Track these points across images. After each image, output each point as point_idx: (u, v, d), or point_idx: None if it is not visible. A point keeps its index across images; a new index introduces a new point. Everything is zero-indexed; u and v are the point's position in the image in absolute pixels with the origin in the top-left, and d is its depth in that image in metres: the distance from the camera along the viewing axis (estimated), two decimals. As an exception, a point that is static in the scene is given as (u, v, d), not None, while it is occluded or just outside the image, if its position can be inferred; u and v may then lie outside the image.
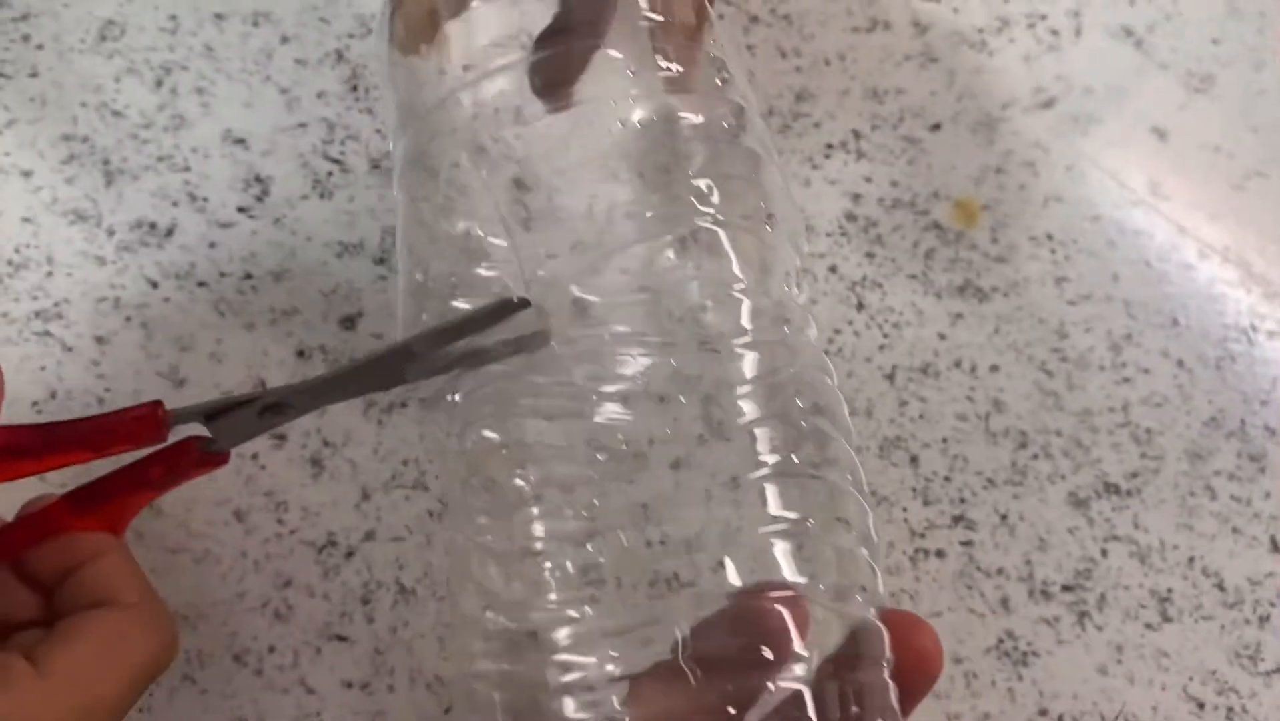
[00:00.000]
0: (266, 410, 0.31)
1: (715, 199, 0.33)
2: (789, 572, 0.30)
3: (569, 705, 0.29)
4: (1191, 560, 0.39)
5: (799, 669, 0.28)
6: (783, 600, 0.29)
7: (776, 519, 0.32)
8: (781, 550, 0.31)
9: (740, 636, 0.29)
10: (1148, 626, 0.38)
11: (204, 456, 0.31)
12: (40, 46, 0.43)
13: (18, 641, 0.30)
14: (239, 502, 0.38)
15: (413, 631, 0.37)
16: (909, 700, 0.29)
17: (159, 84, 0.43)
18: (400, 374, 0.31)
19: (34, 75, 0.43)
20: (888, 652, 0.29)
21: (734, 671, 0.28)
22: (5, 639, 0.30)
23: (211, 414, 0.31)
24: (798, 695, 0.28)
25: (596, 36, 0.32)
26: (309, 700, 0.36)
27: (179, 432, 0.31)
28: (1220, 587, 0.39)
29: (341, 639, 0.36)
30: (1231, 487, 0.40)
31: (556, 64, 0.32)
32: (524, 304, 0.31)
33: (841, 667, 0.28)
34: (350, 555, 0.37)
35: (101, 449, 0.30)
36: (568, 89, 0.33)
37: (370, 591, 0.37)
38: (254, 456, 0.38)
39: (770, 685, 0.28)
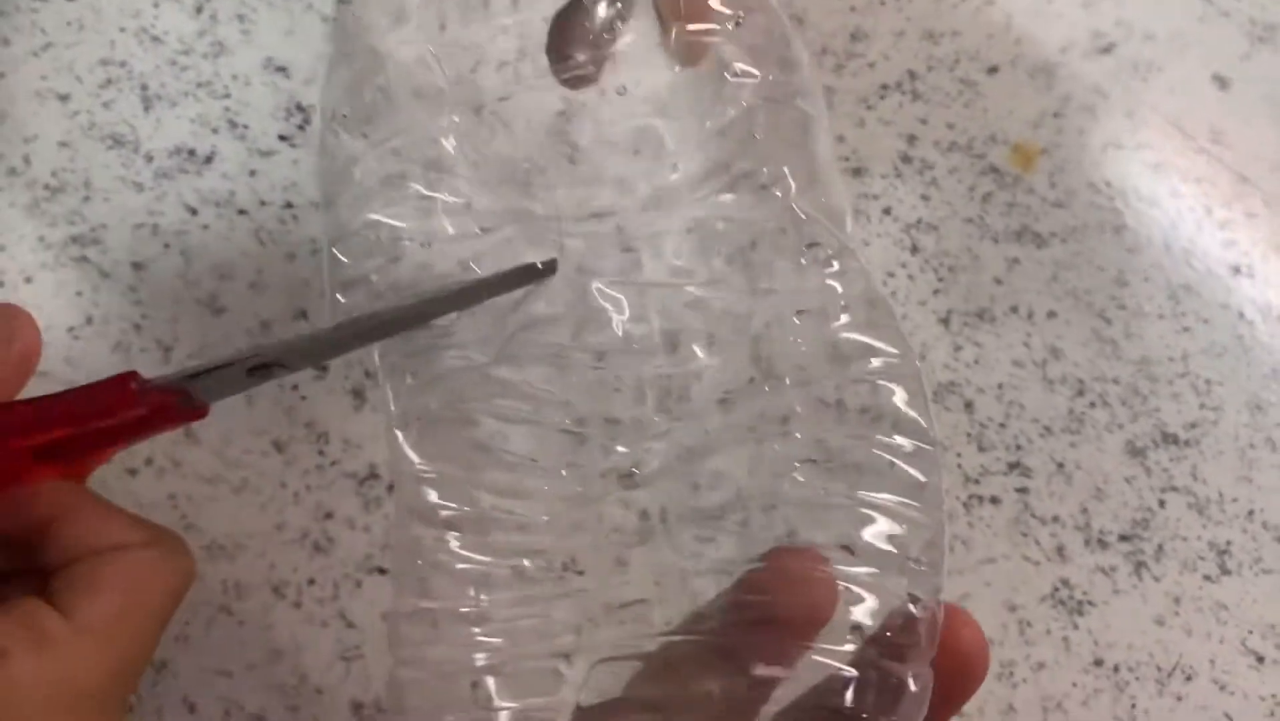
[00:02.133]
0: (255, 370, 0.29)
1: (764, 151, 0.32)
2: (834, 536, 0.27)
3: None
4: (1251, 513, 0.38)
5: (848, 645, 0.25)
6: (824, 565, 0.26)
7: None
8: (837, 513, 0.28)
9: (782, 597, 0.26)
10: (1206, 578, 0.37)
11: (181, 411, 0.29)
12: (78, -31, 0.42)
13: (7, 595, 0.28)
14: (278, 433, 0.37)
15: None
16: (946, 705, 0.26)
17: (199, 10, 0.42)
18: (399, 330, 0.30)
19: (71, -1, 0.42)
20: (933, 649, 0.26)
21: (769, 638, 0.26)
22: None
23: (194, 376, 0.29)
24: (837, 678, 0.25)
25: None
26: (348, 633, 0.35)
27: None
28: (1281, 541, 0.38)
29: (382, 572, 0.36)
30: (1295, 441, 0.39)
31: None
32: (550, 268, 0.30)
33: (887, 655, 0.25)
34: (392, 488, 0.36)
35: (75, 425, 0.28)
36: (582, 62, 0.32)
37: (412, 525, 0.36)
38: (294, 387, 0.37)
39: (813, 658, 0.25)
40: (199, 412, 0.29)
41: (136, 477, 0.36)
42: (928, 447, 0.28)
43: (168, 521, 0.35)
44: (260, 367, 0.29)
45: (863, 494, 0.28)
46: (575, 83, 0.33)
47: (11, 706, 0.23)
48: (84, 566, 0.27)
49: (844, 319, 0.31)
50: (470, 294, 0.30)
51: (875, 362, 0.30)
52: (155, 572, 0.28)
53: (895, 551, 0.27)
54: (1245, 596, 0.37)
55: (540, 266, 0.30)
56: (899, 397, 0.29)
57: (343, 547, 0.36)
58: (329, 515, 0.36)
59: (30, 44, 0.41)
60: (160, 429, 0.29)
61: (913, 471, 0.28)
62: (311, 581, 0.35)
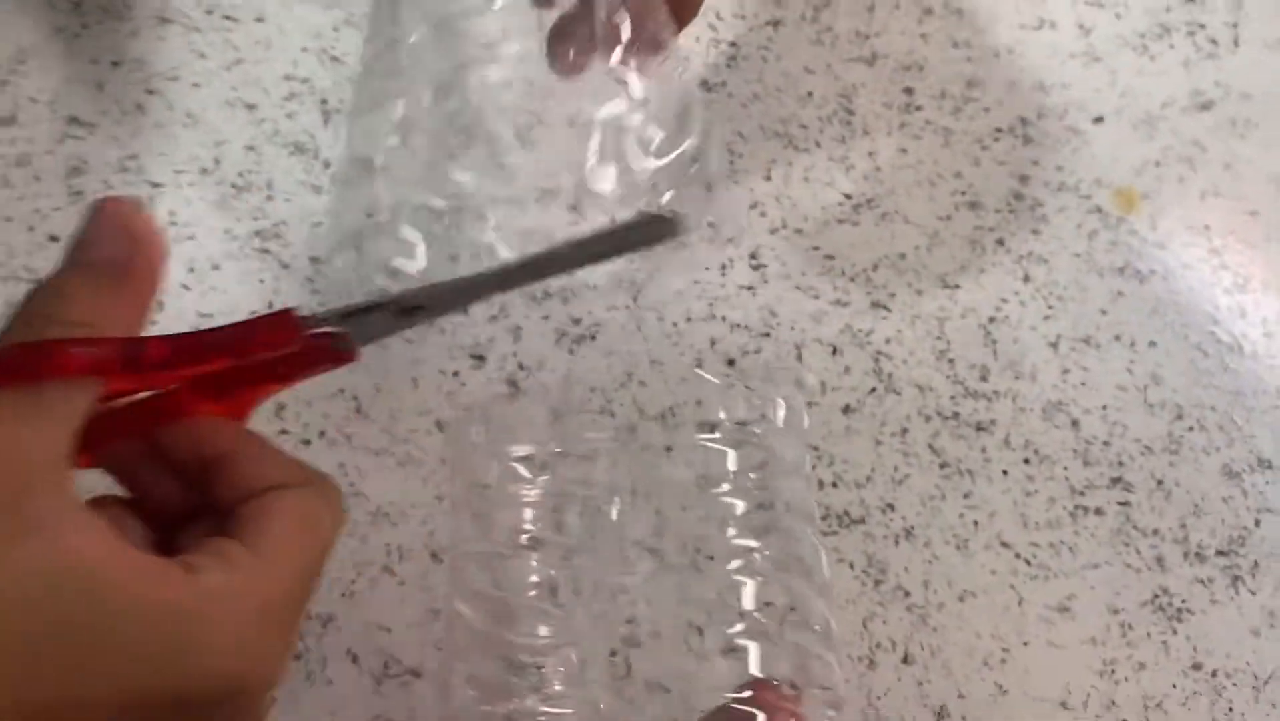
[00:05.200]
0: (403, 312, 0.31)
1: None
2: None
3: None
4: (1343, 536, 0.40)
5: None
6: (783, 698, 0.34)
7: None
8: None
9: None
10: (1300, 595, 0.39)
11: (335, 354, 0.30)
12: (266, -6, 0.46)
13: (192, 534, 0.30)
14: (440, 414, 0.40)
15: (599, 542, 0.39)
16: None
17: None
18: (535, 276, 0.31)
19: (260, 20, 0.46)
20: None
21: None
22: (165, 528, 0.30)
23: (348, 315, 0.30)
24: None
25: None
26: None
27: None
28: (1371, 564, 0.40)
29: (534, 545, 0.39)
30: (1382, 473, 0.41)
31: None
32: (675, 221, 0.31)
33: None
34: (543, 467, 0.40)
35: (239, 355, 0.29)
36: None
37: (560, 502, 0.39)
38: (455, 374, 0.41)
39: None
40: (350, 356, 0.30)
41: (310, 447, 0.40)
42: None
43: (339, 488, 0.38)
44: (407, 311, 0.31)
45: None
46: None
47: (203, 614, 0.26)
48: (257, 503, 0.29)
49: None
50: (595, 245, 0.31)
51: None
52: (318, 510, 0.30)
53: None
54: (1337, 614, 0.39)
55: (669, 217, 0.31)
56: None
57: (497, 519, 0.39)
58: (484, 488, 0.39)
59: (223, 59, 0.45)
60: (316, 369, 0.31)
61: None
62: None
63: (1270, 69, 0.48)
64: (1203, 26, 0.48)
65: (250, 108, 0.44)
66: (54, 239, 0.42)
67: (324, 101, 0.45)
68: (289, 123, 0.44)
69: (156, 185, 0.43)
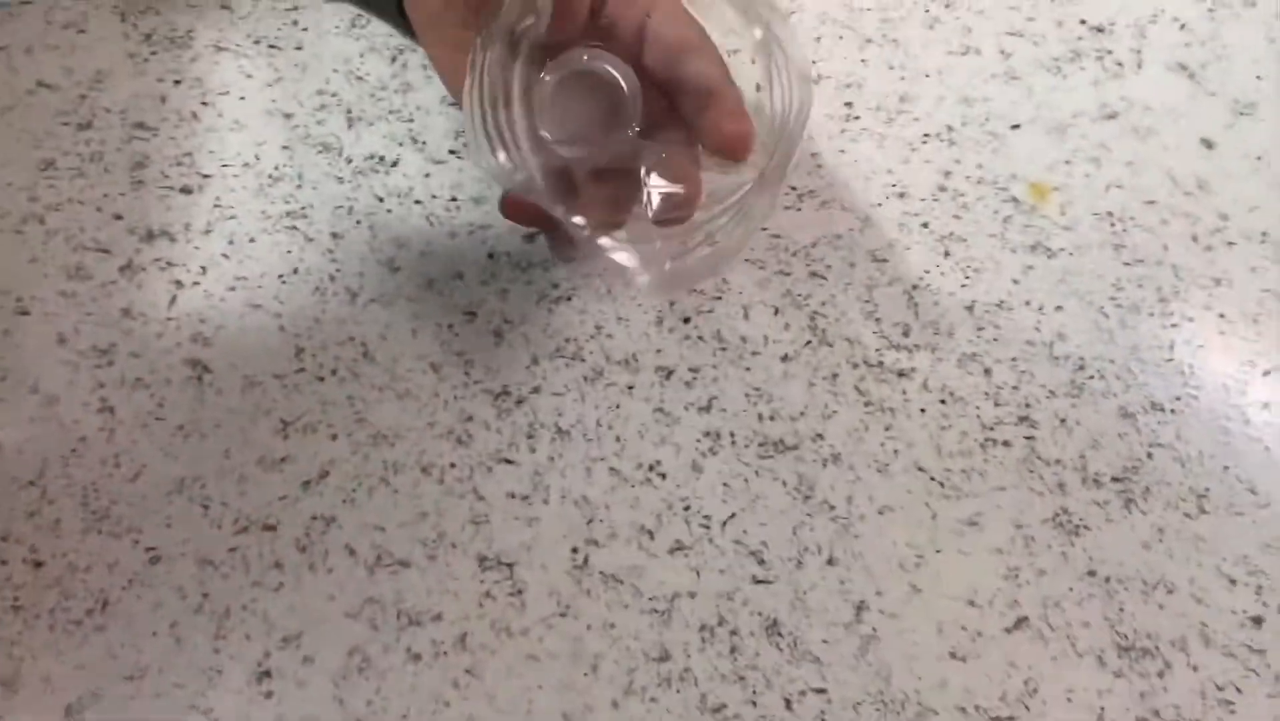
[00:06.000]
0: None
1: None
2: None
3: None
4: (1227, 468, 0.45)
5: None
6: None
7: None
8: None
9: None
10: (1187, 516, 0.44)
11: None
12: (305, 29, 0.55)
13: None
14: (435, 358, 0.47)
15: (565, 462, 0.45)
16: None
17: (394, 59, 0.54)
18: None
19: (299, 48, 0.55)
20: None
21: None
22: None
23: None
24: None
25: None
26: (479, 505, 0.44)
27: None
28: (1253, 491, 0.45)
29: (509, 462, 0.45)
30: (1266, 416, 0.46)
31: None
32: None
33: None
34: (520, 402, 0.46)
35: None
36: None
37: (534, 429, 0.45)
38: (450, 326, 0.48)
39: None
40: None
41: (324, 383, 0.46)
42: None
43: (344, 415, 0.45)
44: None
45: None
46: None
47: None
48: None
49: None
50: None
51: None
52: None
53: None
54: (1220, 532, 0.44)
55: None
56: None
57: (479, 442, 0.45)
58: (470, 418, 0.46)
59: (265, 78, 0.54)
60: None
61: None
62: (453, 465, 0.45)
63: (1169, 86, 0.55)
64: (1110, 52, 0.56)
65: (287, 116, 0.53)
66: (118, 217, 0.50)
67: (349, 111, 0.53)
68: (319, 127, 0.53)
69: (206, 176, 0.51)
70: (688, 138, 0.44)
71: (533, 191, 0.40)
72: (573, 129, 0.44)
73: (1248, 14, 0.57)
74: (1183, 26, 0.56)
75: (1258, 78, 0.55)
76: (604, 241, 0.40)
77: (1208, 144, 0.53)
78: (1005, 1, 0.57)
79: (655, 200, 0.42)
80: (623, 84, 0.44)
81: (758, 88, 0.43)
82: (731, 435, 0.46)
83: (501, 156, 0.40)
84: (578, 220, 0.40)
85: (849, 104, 0.54)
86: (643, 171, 0.43)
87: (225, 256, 0.49)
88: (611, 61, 0.45)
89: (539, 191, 0.40)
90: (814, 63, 0.54)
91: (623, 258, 0.40)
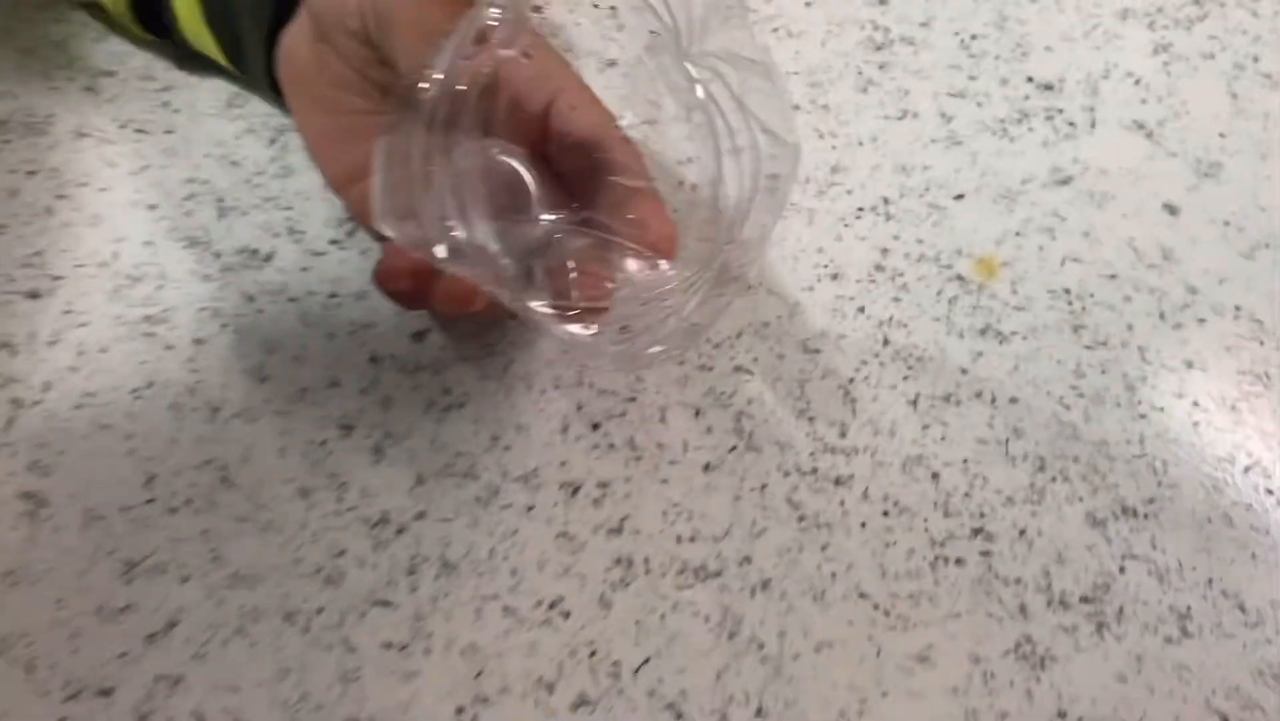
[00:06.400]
0: None
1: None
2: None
3: None
4: (1210, 581, 0.40)
5: None
6: None
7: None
8: None
9: None
10: (1167, 640, 0.39)
11: None
12: (177, 110, 0.50)
13: None
14: (304, 482, 0.41)
15: (451, 602, 0.39)
16: None
17: (273, 141, 0.49)
18: None
19: (169, 132, 0.49)
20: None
21: None
22: None
23: None
24: None
25: None
26: (349, 657, 0.38)
27: None
28: (1241, 609, 0.39)
29: (385, 604, 0.39)
30: (1250, 518, 0.41)
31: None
32: None
33: None
34: (401, 531, 0.40)
35: None
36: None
37: (416, 563, 0.39)
38: (322, 443, 0.42)
39: None
40: None
41: (176, 515, 0.40)
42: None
43: (197, 553, 0.39)
44: None
45: None
46: None
47: None
48: None
49: None
50: None
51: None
52: None
53: None
54: (1208, 659, 0.38)
55: None
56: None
57: (351, 581, 0.39)
58: (341, 552, 0.40)
59: (130, 166, 0.48)
60: None
61: None
62: (320, 610, 0.39)
63: (1125, 146, 0.50)
64: (1061, 111, 0.51)
65: (152, 207, 0.47)
66: (-49, 327, 0.44)
67: (221, 200, 0.48)
68: (186, 220, 0.47)
69: (56, 278, 0.45)
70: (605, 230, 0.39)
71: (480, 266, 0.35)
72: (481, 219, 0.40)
73: (1206, 67, 0.52)
74: (1137, 82, 0.52)
75: (1220, 135, 0.50)
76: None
77: (1171, 209, 0.48)
78: (944, 59, 0.52)
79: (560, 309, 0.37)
80: (528, 178, 0.40)
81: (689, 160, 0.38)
82: (646, 562, 0.40)
83: (388, 224, 0.34)
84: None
85: (774, 176, 0.49)
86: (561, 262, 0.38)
87: (73, 369, 0.43)
88: (515, 154, 0.40)
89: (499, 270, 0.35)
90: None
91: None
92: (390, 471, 0.41)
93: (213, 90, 0.50)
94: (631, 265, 0.37)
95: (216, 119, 0.50)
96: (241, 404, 0.43)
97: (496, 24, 0.32)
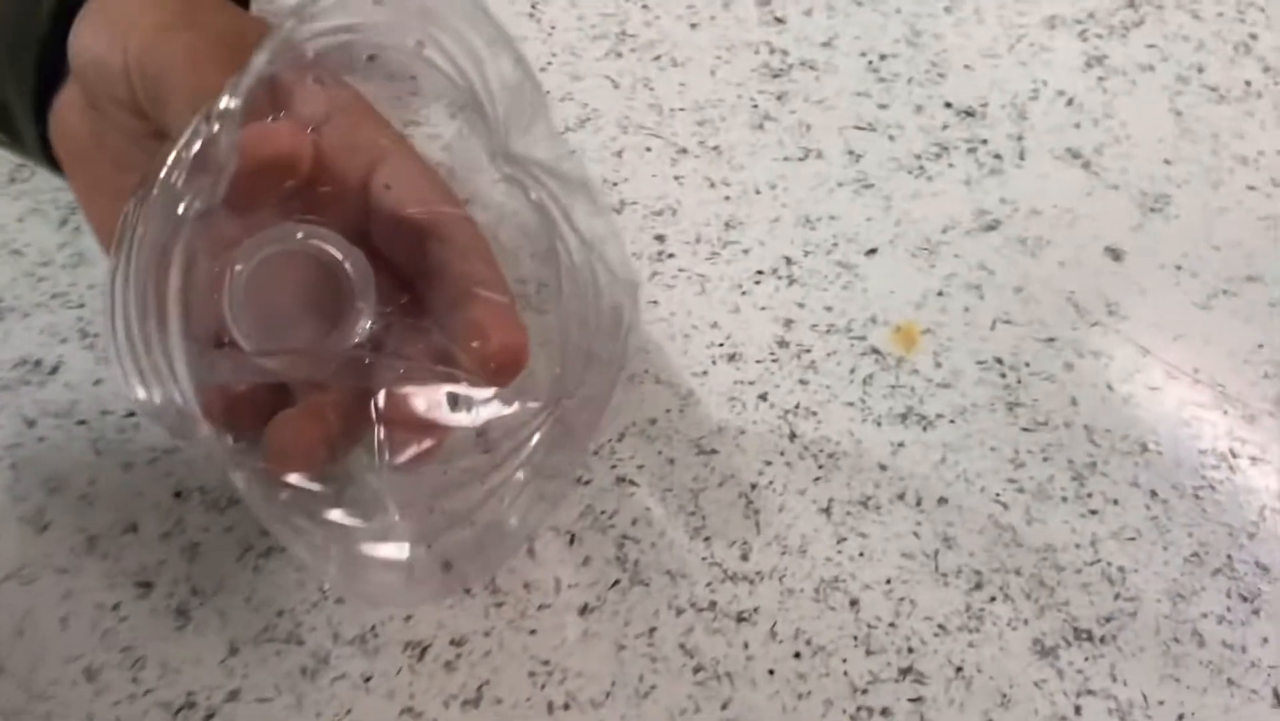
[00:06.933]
0: None
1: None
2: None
3: None
4: (1181, 717, 0.34)
5: None
6: None
7: None
8: None
9: None
10: (1135, 797, 0.32)
11: None
12: (-54, 189, 0.42)
13: None
14: (91, 659, 0.34)
15: (271, 809, 0.32)
16: None
17: (63, 223, 0.41)
18: None
19: (-65, 217, 0.41)
20: None
21: None
22: None
23: None
24: None
25: None
26: None
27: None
28: (1218, 750, 0.33)
29: (188, 817, 0.32)
30: (1222, 632, 0.35)
31: None
32: None
33: None
34: (209, 717, 0.33)
35: None
36: None
37: (227, 760, 0.32)
38: (115, 607, 0.34)
39: None
40: None
41: (-71, 715, 0.33)
42: None
43: (-48, 764, 0.32)
44: None
45: None
46: None
47: None
48: None
49: None
50: None
51: None
52: None
53: None
54: (1182, 817, 0.32)
55: None
56: None
57: (147, 789, 0.32)
58: (134, 751, 0.32)
59: (-113, 263, 0.40)
60: None
61: None
62: (107, 830, 0.31)
63: (1060, 181, 0.44)
64: (985, 141, 0.44)
65: (-90, 314, 0.39)
66: None
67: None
68: (-45, 327, 0.39)
69: None
70: (435, 341, 0.32)
71: (191, 435, 0.27)
72: (281, 333, 0.32)
73: (1145, 80, 0.46)
74: (1070, 102, 0.45)
75: (1165, 161, 0.44)
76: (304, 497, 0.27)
77: (1114, 254, 0.42)
78: (851, 85, 0.46)
79: (387, 438, 0.30)
80: (347, 267, 0.32)
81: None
82: (508, 736, 0.33)
83: (143, 393, 0.27)
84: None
85: (660, 237, 0.42)
86: (376, 398, 0.31)
87: None
88: (329, 238, 0.32)
89: (203, 435, 0.27)
90: (615, 185, 0.42)
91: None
92: (197, 640, 0.34)
93: (-10, 163, 0.42)
94: (451, 391, 0.30)
95: (-6, 197, 0.42)
96: (16, 561, 0.35)
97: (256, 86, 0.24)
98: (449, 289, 0.32)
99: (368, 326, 0.33)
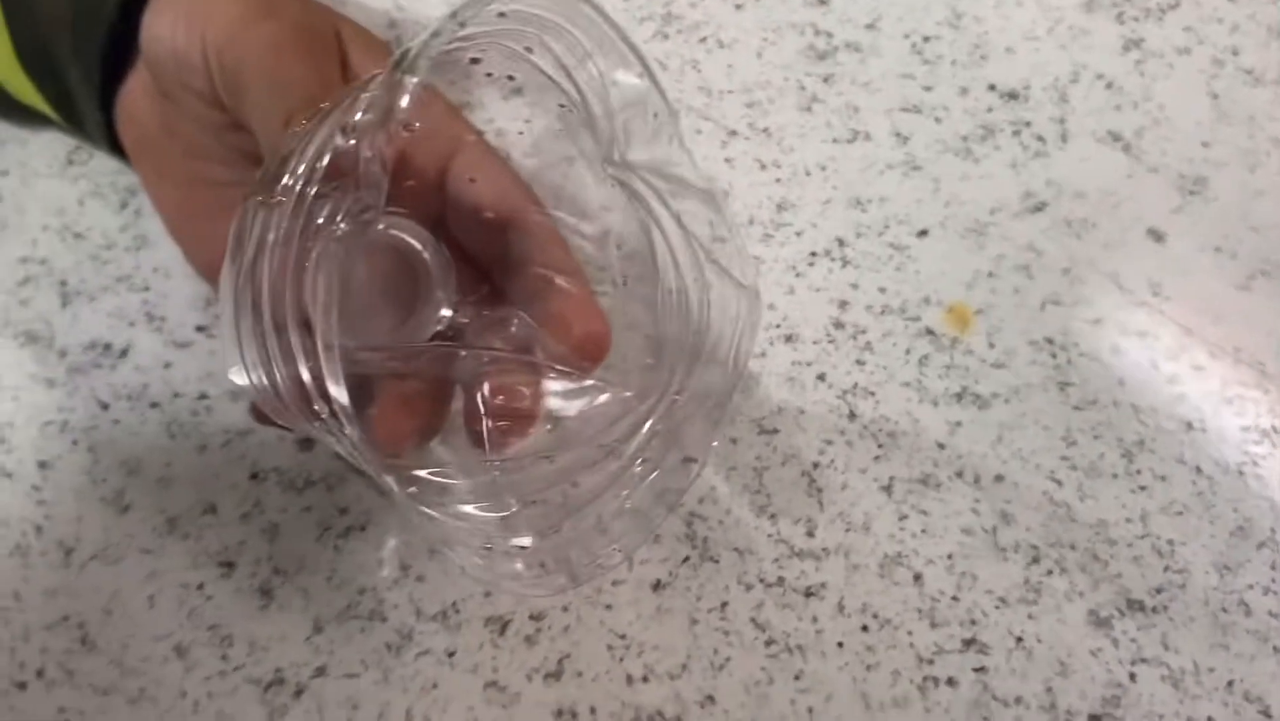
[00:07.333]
0: None
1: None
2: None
3: None
4: (1231, 684, 0.35)
5: None
6: None
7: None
8: None
9: None
10: (1189, 760, 0.34)
11: None
12: (5, 172, 0.42)
13: None
14: (180, 637, 0.34)
15: (365, 781, 0.33)
16: None
17: (123, 205, 0.42)
18: None
19: (-3, 200, 0.42)
20: None
21: None
22: None
23: None
24: None
25: None
26: None
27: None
28: (1266, 714, 0.35)
29: (285, 789, 0.33)
30: (1268, 602, 0.36)
31: None
32: None
33: None
34: (299, 693, 0.34)
35: None
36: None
37: (319, 734, 0.33)
38: (199, 586, 0.35)
39: None
40: None
41: (26, 692, 0.34)
42: None
43: (52, 740, 0.32)
44: None
45: None
46: None
47: None
48: None
49: None
50: None
51: None
52: None
53: None
54: (1234, 779, 0.34)
55: None
56: None
57: (242, 762, 0.33)
58: (229, 726, 0.33)
59: (-49, 245, 0.40)
60: None
61: None
62: (207, 802, 0.32)
63: (1102, 163, 0.44)
64: (1028, 124, 0.45)
65: (-21, 298, 0.40)
66: None
67: (64, 283, 0.40)
68: (23, 310, 0.40)
69: None
70: (515, 331, 0.32)
71: (279, 410, 0.28)
72: (361, 323, 0.33)
73: (1182, 64, 0.47)
74: (1109, 85, 0.46)
75: (1203, 144, 0.45)
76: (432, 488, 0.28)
77: (1156, 235, 0.43)
78: (895, 67, 0.46)
79: (484, 423, 0.31)
80: (426, 256, 0.33)
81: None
82: (592, 712, 0.34)
83: (241, 379, 0.27)
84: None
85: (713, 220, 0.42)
86: (482, 391, 0.31)
87: (-111, 508, 0.36)
88: (408, 227, 0.33)
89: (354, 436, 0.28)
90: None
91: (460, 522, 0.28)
92: (281, 618, 0.35)
93: (47, 145, 0.43)
94: (553, 387, 0.31)
95: (54, 180, 0.42)
96: (100, 542, 0.36)
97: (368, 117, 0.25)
98: (528, 280, 0.33)
99: (447, 315, 0.33)
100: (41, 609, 0.35)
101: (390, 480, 0.25)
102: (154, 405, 0.38)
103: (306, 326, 0.24)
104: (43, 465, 0.37)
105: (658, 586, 0.36)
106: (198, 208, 0.36)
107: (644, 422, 0.29)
